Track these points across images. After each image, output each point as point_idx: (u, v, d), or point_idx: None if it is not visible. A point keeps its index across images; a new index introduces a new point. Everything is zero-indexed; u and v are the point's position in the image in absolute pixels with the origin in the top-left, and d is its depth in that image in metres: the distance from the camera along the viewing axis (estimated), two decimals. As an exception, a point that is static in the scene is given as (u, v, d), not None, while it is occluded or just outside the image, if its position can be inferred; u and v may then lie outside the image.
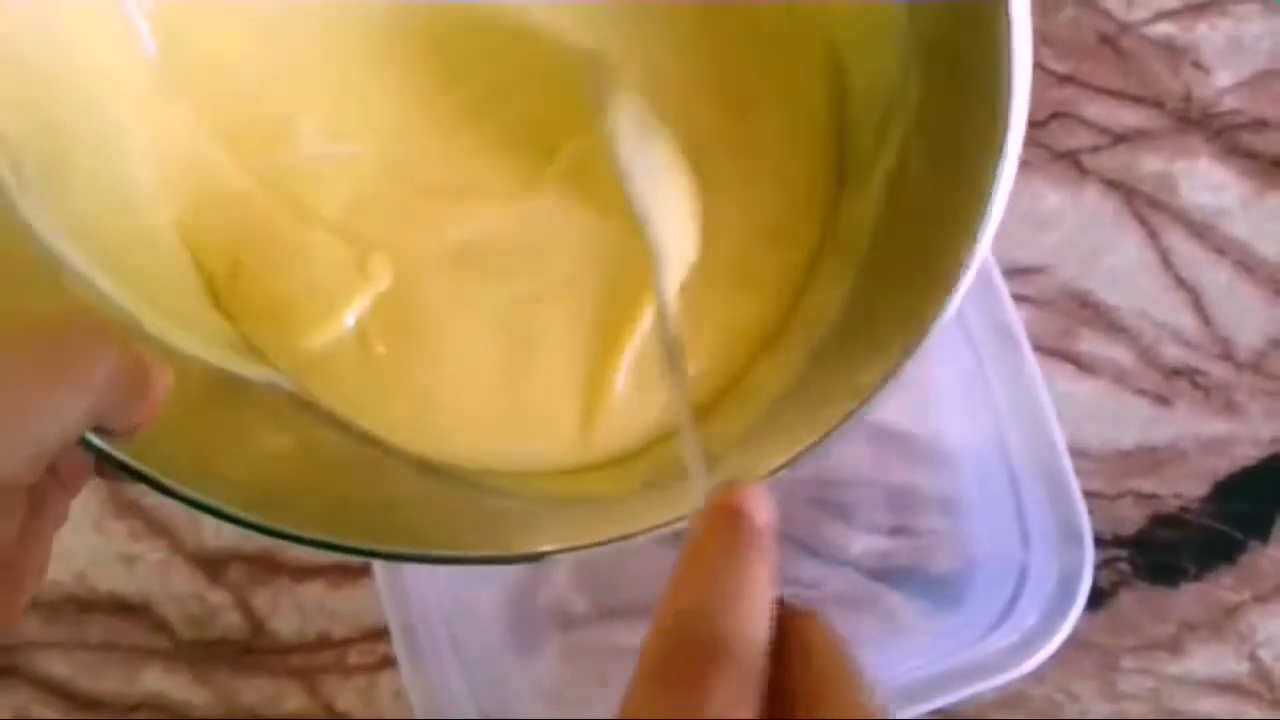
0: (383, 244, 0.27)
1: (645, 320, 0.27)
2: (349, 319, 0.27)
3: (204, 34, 0.26)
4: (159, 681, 0.39)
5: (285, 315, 0.27)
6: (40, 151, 0.23)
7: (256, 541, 0.41)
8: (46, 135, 0.23)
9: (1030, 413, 0.32)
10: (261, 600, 0.39)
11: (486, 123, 0.27)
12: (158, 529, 0.40)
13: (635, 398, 0.27)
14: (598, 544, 0.25)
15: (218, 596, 0.40)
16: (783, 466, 0.25)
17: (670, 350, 0.24)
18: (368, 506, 0.27)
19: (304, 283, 0.27)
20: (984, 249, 0.23)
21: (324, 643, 0.39)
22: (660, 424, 0.27)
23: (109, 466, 0.22)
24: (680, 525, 0.25)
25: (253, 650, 0.39)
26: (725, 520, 0.18)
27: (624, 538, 0.25)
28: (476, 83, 0.27)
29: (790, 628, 0.18)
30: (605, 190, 0.26)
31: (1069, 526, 0.32)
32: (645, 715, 0.16)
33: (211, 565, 0.40)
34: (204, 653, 0.39)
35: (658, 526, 0.25)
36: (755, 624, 0.17)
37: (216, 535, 0.40)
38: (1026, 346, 0.33)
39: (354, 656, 0.39)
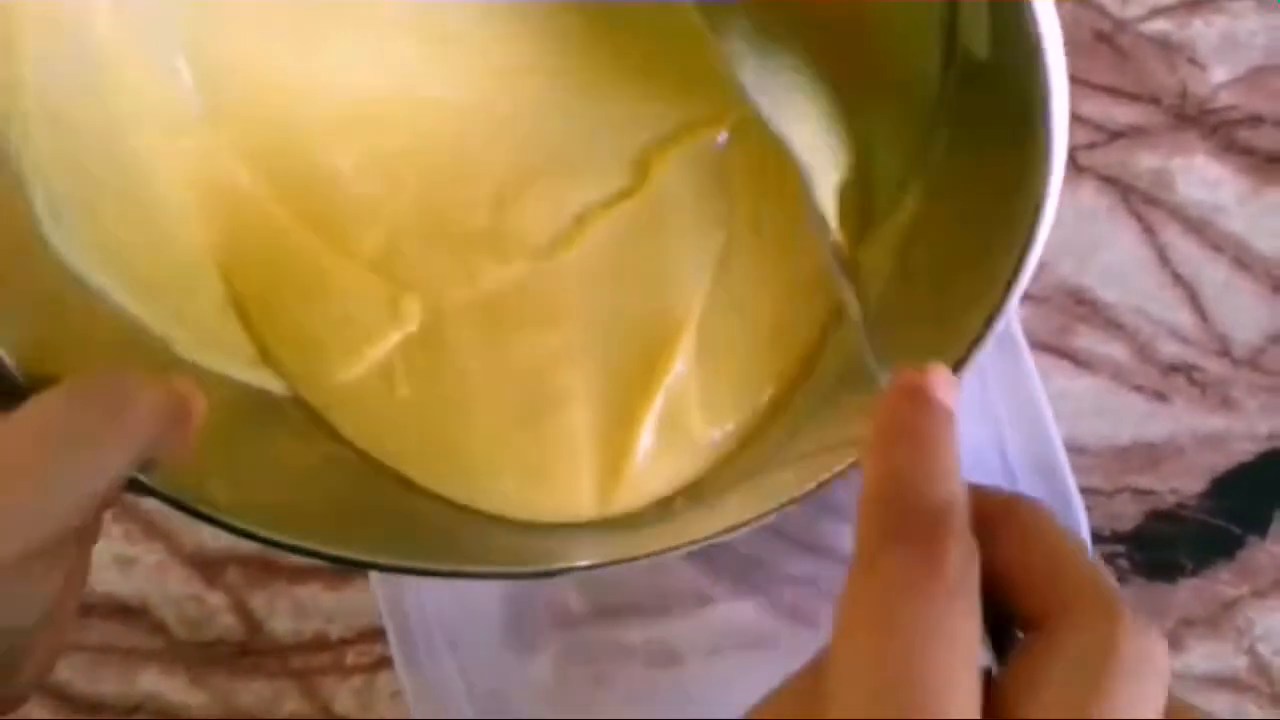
0: (415, 286, 0.27)
1: (668, 381, 0.27)
2: (376, 358, 0.27)
3: (245, 76, 0.25)
4: (156, 683, 0.39)
5: (315, 347, 0.27)
6: (75, 188, 0.23)
7: (252, 544, 0.41)
8: (82, 174, 0.23)
9: (1028, 412, 0.33)
10: (259, 602, 0.39)
11: (528, 177, 0.27)
12: (155, 532, 0.40)
13: (656, 458, 0.27)
14: (612, 563, 0.26)
15: (215, 598, 0.40)
16: (774, 511, 0.25)
17: (840, 261, 0.24)
18: (390, 519, 0.27)
19: (335, 317, 0.27)
20: (1008, 310, 0.23)
21: (321, 644, 0.39)
22: (680, 480, 0.28)
23: (144, 494, 0.23)
24: (694, 546, 0.25)
25: (250, 652, 0.39)
26: (917, 397, 0.18)
27: (637, 558, 0.25)
28: (518, 139, 0.27)
29: (1003, 510, 0.18)
30: (634, 258, 0.26)
31: (1067, 525, 0.32)
32: (891, 575, 0.16)
33: (209, 567, 0.40)
34: (201, 654, 0.39)
35: (673, 548, 0.25)
36: (962, 490, 0.17)
37: (214, 537, 0.40)
38: (1023, 343, 0.33)
39: (351, 657, 0.39)
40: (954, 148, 0.24)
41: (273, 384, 0.28)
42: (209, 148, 0.25)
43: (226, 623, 0.40)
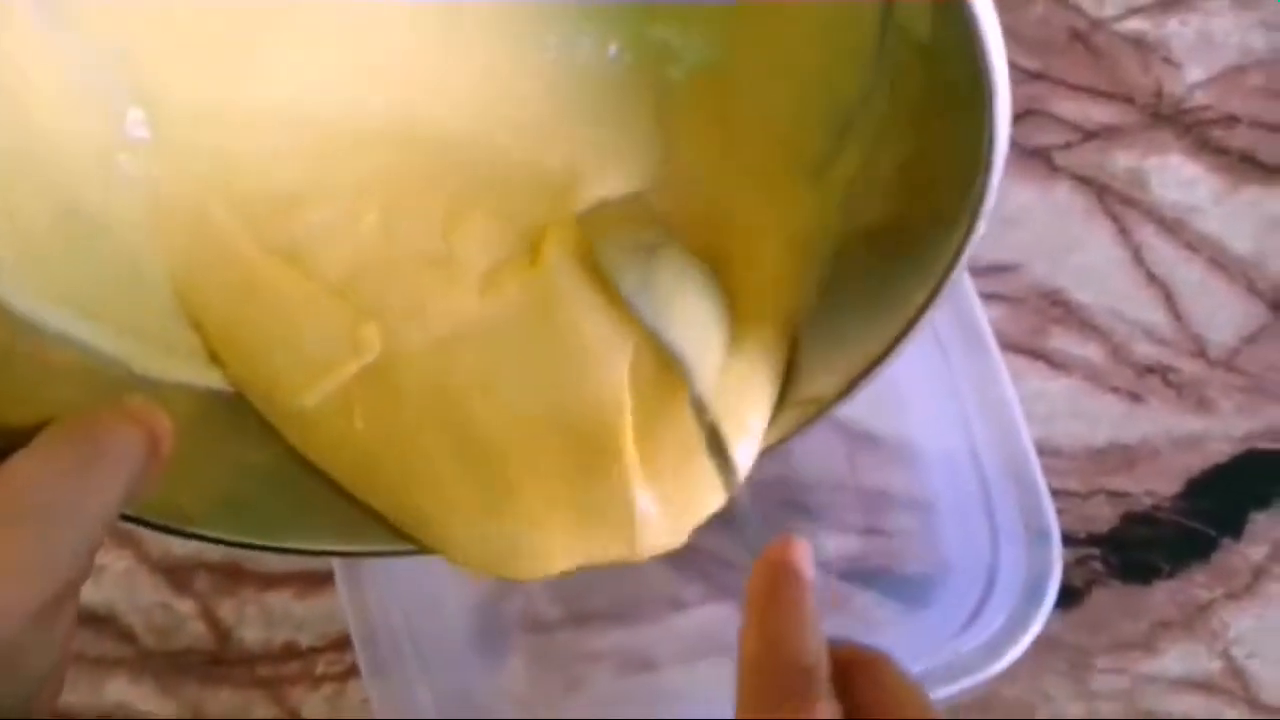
0: (375, 313, 0.26)
1: (623, 446, 0.26)
2: (335, 386, 0.26)
3: (192, 103, 0.25)
4: (124, 692, 0.38)
5: (274, 373, 0.26)
6: (24, 230, 0.23)
7: (221, 550, 0.40)
8: (18, 214, 0.23)
9: (997, 412, 0.32)
10: (227, 610, 0.39)
11: (480, 206, 0.27)
12: (122, 538, 0.39)
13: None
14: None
15: (184, 606, 0.39)
16: None
17: (714, 443, 0.25)
18: (352, 506, 0.27)
19: (297, 341, 0.26)
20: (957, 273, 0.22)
21: (291, 652, 0.39)
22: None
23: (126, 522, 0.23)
24: None
25: (219, 660, 0.39)
26: (786, 572, 0.22)
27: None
28: (469, 159, 0.26)
29: (856, 663, 0.21)
30: (564, 306, 0.25)
31: (1037, 526, 0.32)
32: None
33: (177, 574, 0.39)
34: (170, 663, 0.39)
35: None
36: (824, 648, 0.21)
37: (181, 544, 0.40)
38: (994, 346, 0.32)
39: (321, 666, 0.38)
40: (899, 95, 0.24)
41: (222, 381, 0.27)
42: (161, 175, 0.25)
43: (196, 631, 0.39)
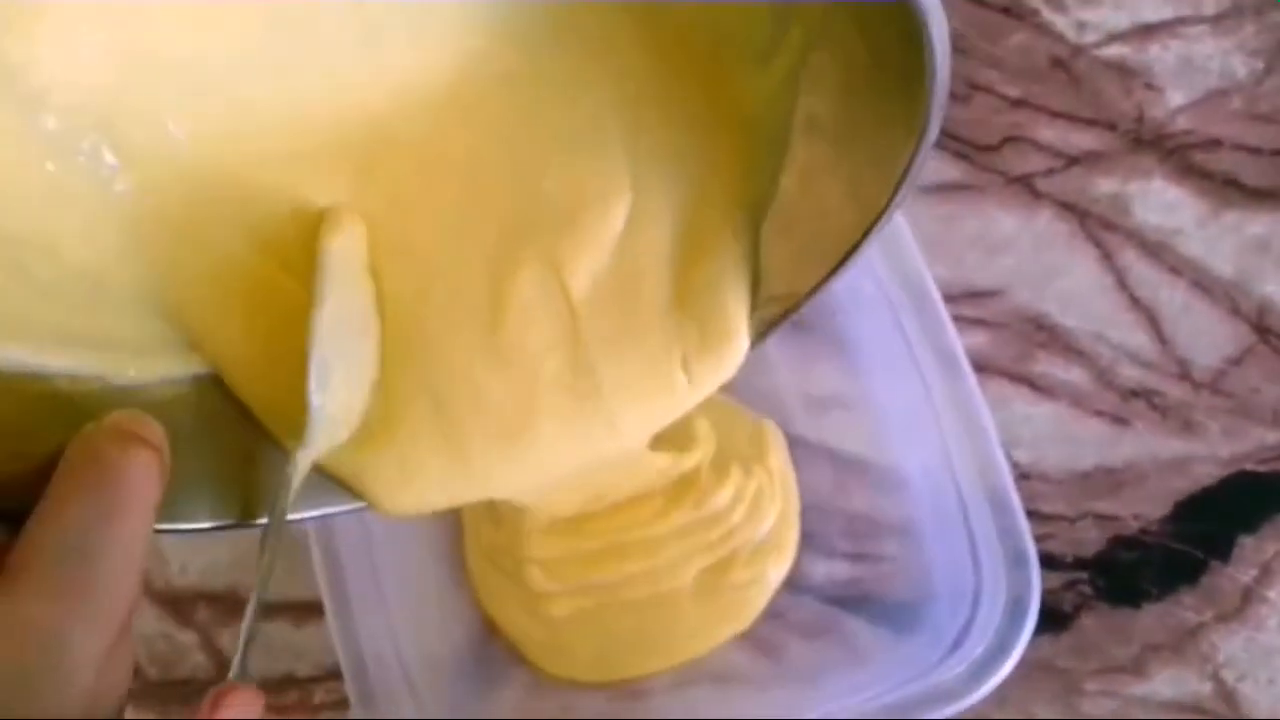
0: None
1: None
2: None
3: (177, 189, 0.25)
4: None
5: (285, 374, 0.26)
6: None
7: (222, 579, 0.41)
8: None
9: (973, 436, 0.33)
10: (228, 640, 0.40)
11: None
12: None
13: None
14: None
15: (185, 636, 0.40)
16: None
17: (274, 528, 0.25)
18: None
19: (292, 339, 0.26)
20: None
21: (289, 682, 0.39)
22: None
23: None
24: None
25: (219, 689, 0.39)
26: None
27: None
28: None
29: None
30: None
31: (1015, 549, 0.32)
32: None
33: (178, 605, 0.40)
34: (172, 692, 0.40)
35: None
36: None
37: (182, 573, 0.40)
38: (968, 370, 0.33)
39: (319, 694, 0.39)
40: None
41: (202, 364, 0.27)
42: (140, 195, 0.25)
43: (197, 661, 0.40)
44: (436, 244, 0.25)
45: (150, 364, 0.26)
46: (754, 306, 0.25)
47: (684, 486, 0.36)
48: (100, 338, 0.25)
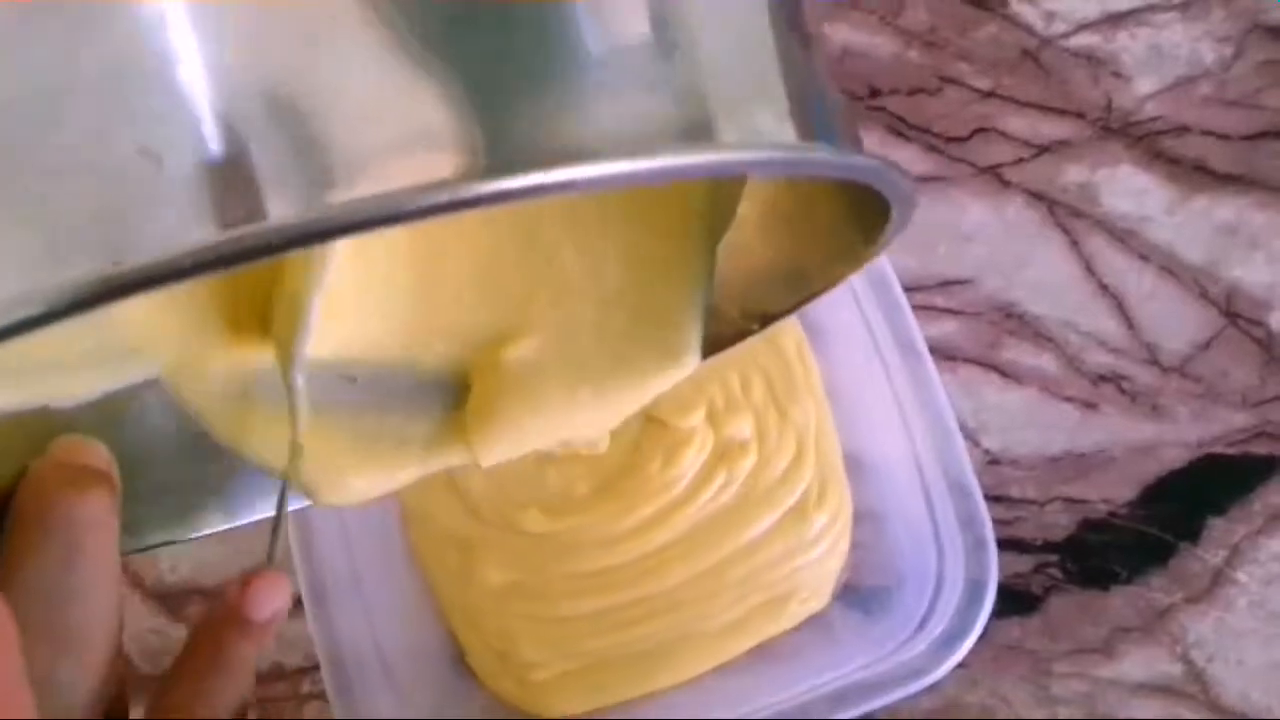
0: None
1: None
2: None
3: None
4: (121, 715, 0.40)
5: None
6: None
7: (213, 576, 0.42)
8: None
9: (934, 425, 0.33)
10: (217, 633, 0.41)
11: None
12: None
13: None
14: None
15: (177, 631, 0.41)
16: None
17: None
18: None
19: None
20: None
21: (277, 673, 0.40)
22: None
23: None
24: None
25: (210, 682, 0.40)
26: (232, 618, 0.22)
27: None
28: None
29: None
30: None
31: (975, 534, 0.33)
32: None
33: (170, 600, 0.41)
34: (164, 685, 0.41)
35: None
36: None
37: (173, 570, 0.41)
38: (928, 358, 0.33)
39: (306, 685, 0.40)
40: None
41: (151, 369, 0.27)
42: None
43: (188, 654, 0.41)
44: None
45: (92, 381, 0.25)
46: (709, 322, 0.25)
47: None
48: (35, 364, 0.26)
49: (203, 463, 0.26)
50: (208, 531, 0.28)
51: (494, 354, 0.25)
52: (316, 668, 0.40)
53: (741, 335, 0.26)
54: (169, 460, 0.26)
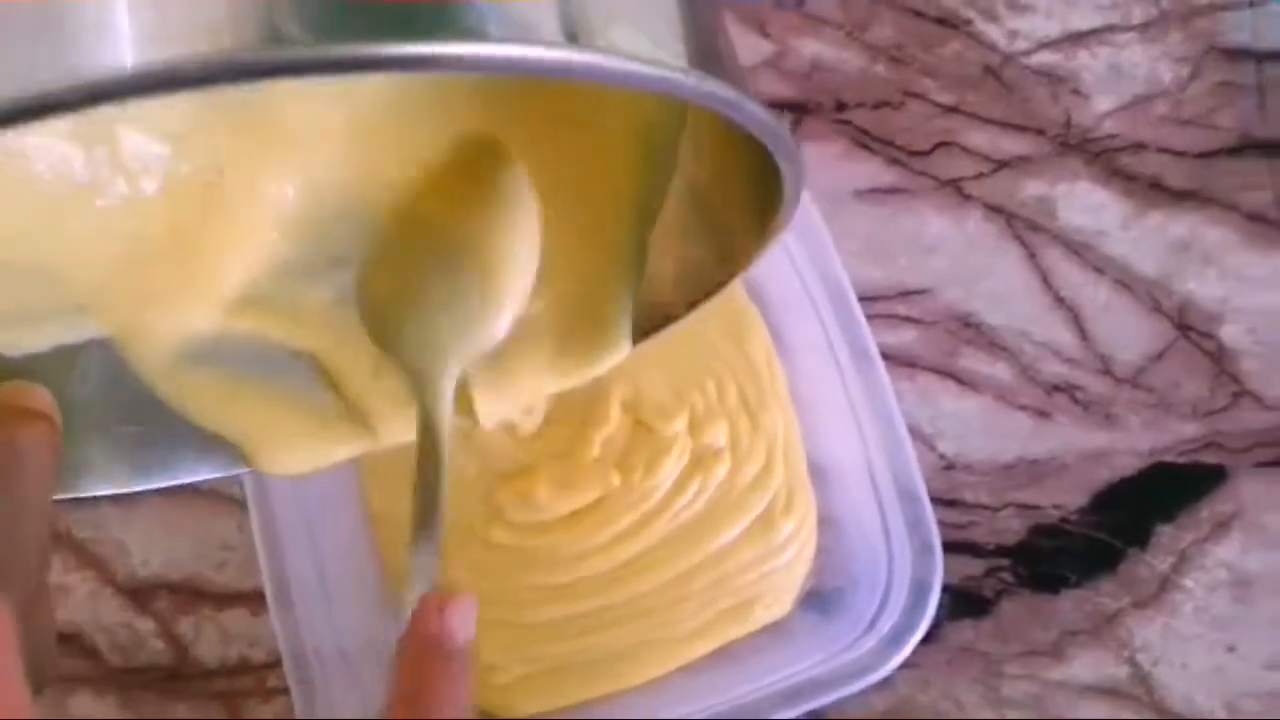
0: None
1: None
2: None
3: None
4: (89, 707, 0.41)
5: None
6: None
7: (182, 570, 0.43)
8: None
9: (885, 432, 0.34)
10: (186, 627, 0.41)
11: None
12: (87, 560, 0.42)
13: None
14: None
15: (145, 625, 0.42)
16: None
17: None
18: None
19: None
20: None
21: (244, 667, 0.41)
22: None
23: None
24: None
25: (178, 676, 0.41)
26: (437, 647, 0.22)
27: None
28: None
29: None
30: None
31: (922, 539, 0.34)
32: None
33: (139, 595, 0.42)
34: (132, 679, 0.41)
35: None
36: None
37: (144, 565, 0.42)
38: (880, 366, 0.34)
39: (273, 679, 0.41)
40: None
41: (100, 328, 0.27)
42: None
43: (156, 648, 0.41)
44: None
45: (42, 334, 0.26)
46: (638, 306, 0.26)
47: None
48: None
49: (146, 419, 0.27)
50: (148, 486, 0.28)
51: None
52: (281, 664, 0.41)
53: (667, 321, 0.27)
54: (113, 412, 0.27)
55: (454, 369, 0.24)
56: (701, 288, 0.26)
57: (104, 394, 0.27)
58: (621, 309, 0.25)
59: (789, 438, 0.38)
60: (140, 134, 0.22)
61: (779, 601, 0.37)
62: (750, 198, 0.22)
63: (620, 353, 0.25)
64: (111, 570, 0.42)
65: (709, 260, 0.25)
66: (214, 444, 0.27)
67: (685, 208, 0.25)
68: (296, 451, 0.27)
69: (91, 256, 0.25)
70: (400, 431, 0.27)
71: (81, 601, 0.42)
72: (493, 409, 0.27)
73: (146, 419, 0.27)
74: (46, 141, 0.22)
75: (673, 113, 0.24)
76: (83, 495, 0.27)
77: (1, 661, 0.20)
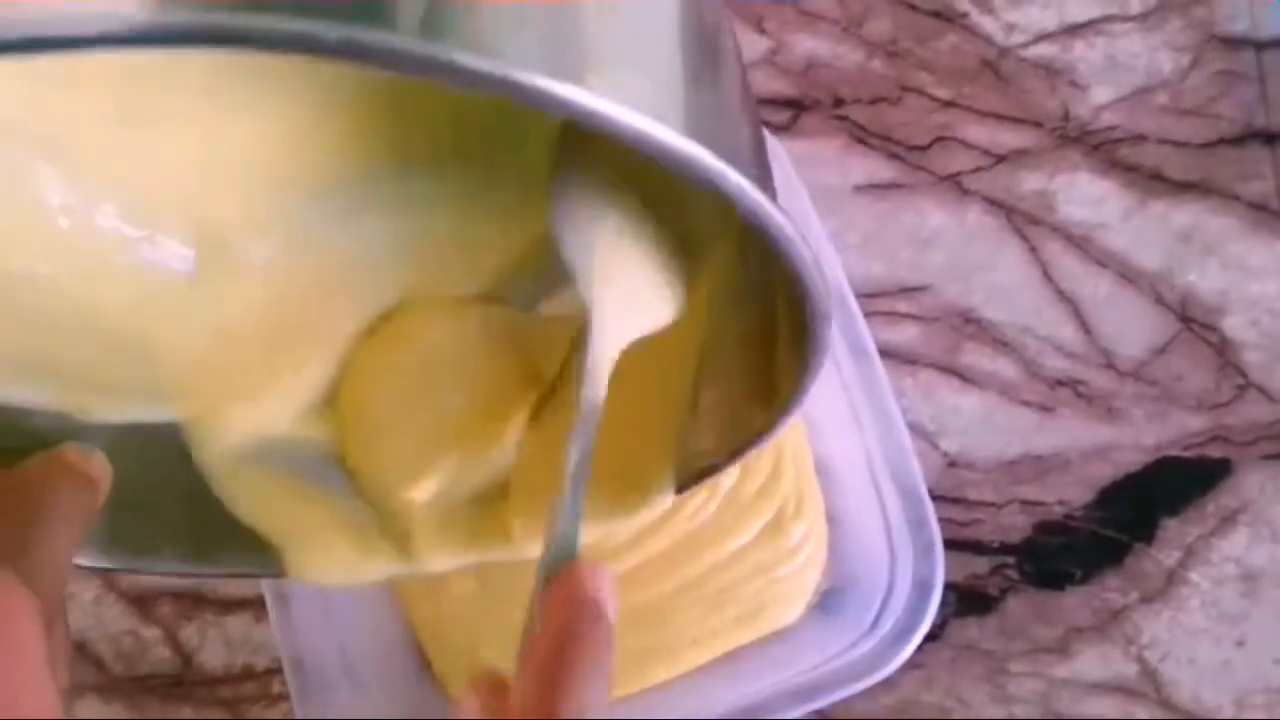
0: None
1: None
2: None
3: None
4: (94, 715, 0.41)
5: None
6: None
7: (184, 579, 0.43)
8: None
9: (886, 431, 0.34)
10: (189, 634, 0.41)
11: None
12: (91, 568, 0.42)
13: None
14: None
15: (149, 632, 0.42)
16: None
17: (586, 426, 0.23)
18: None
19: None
20: None
21: (248, 674, 0.41)
22: None
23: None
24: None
25: (182, 682, 0.41)
26: (589, 612, 0.21)
27: None
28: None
29: None
30: None
31: (924, 538, 0.33)
32: None
33: (143, 603, 0.42)
34: (137, 686, 0.41)
35: None
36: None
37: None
38: (878, 363, 0.34)
39: (276, 685, 0.41)
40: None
41: (174, 412, 0.28)
42: None
43: (160, 655, 0.42)
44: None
45: (123, 408, 0.27)
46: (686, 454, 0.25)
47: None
48: (76, 378, 0.26)
49: (196, 506, 0.28)
50: (188, 572, 0.29)
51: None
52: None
53: (710, 471, 0.26)
54: (165, 494, 0.28)
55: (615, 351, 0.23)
56: (742, 433, 0.25)
57: (162, 476, 0.27)
58: (671, 460, 0.25)
59: (797, 442, 0.38)
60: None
61: (791, 607, 0.37)
62: (789, 328, 0.22)
63: (662, 505, 0.25)
64: (115, 578, 0.42)
65: (750, 401, 0.24)
66: (258, 542, 0.27)
67: (734, 347, 0.25)
68: (332, 563, 0.27)
69: (190, 340, 0.26)
70: (436, 561, 0.27)
71: (86, 610, 0.42)
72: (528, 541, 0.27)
73: (196, 506, 0.27)
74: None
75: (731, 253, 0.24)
76: (122, 569, 0.28)
77: (33, 664, 0.20)
